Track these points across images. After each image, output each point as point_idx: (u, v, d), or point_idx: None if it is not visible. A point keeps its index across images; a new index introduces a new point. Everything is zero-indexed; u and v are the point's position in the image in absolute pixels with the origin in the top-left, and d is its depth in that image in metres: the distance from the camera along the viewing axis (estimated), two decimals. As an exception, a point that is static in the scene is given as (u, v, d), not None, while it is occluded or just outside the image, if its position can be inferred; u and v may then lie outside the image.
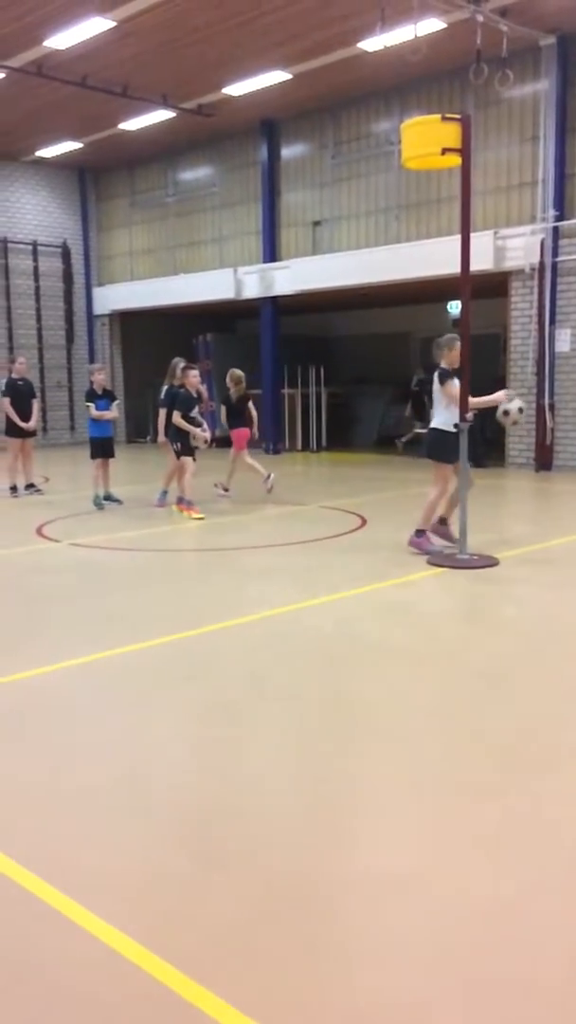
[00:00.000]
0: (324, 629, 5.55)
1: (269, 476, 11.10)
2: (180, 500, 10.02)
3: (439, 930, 2.51)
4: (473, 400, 7.24)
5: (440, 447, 7.49)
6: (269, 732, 3.95)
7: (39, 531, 9.07)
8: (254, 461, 11.42)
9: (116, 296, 20.90)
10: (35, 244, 20.37)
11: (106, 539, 8.66)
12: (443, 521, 7.80)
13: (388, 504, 10.92)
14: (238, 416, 11.21)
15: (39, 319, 20.58)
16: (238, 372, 11.25)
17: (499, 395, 7.61)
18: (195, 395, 10.06)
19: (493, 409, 7.67)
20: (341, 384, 19.97)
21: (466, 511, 7.24)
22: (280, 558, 7.83)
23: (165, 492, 10.61)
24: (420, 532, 7.63)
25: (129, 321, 21.28)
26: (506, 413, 7.54)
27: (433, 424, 7.62)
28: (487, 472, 13.58)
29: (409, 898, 2.66)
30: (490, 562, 7.20)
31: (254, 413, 11.26)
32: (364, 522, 9.33)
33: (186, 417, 9.80)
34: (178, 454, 10.03)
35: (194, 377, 10.11)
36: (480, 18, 11.66)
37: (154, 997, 2.24)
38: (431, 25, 12.14)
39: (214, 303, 18.80)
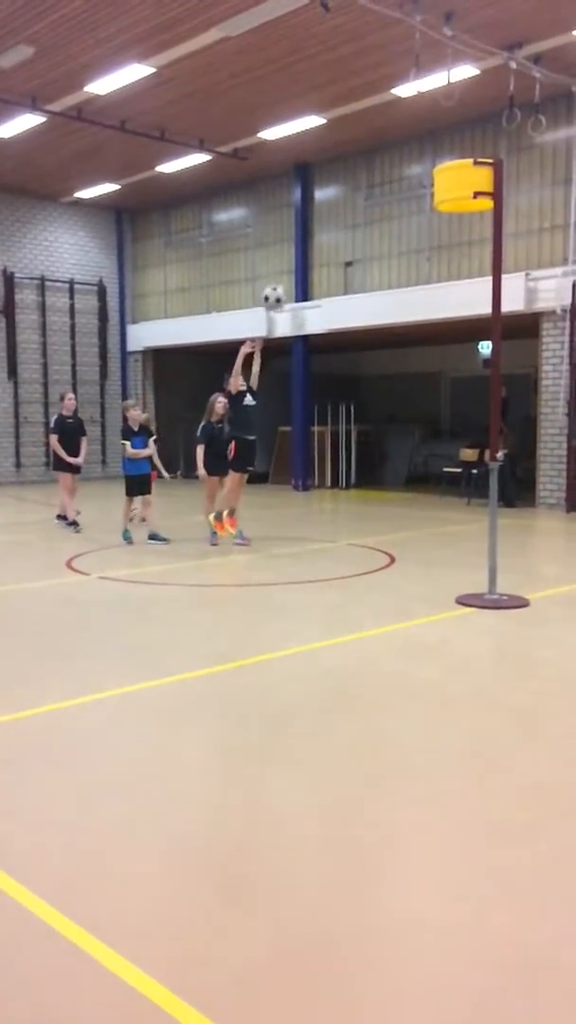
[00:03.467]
0: (350, 667, 5.51)
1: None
2: (218, 515, 10.23)
3: (466, 979, 2.45)
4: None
5: None
6: (294, 770, 3.91)
7: (68, 564, 9.13)
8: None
9: (150, 333, 21.19)
10: (72, 282, 20.75)
11: (134, 573, 8.69)
12: None
13: (417, 542, 10.87)
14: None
15: (74, 355, 20.89)
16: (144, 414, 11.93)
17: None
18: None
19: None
20: (371, 422, 20.02)
21: (496, 551, 7.20)
22: (307, 595, 7.81)
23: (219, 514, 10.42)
24: None
25: (162, 358, 21.55)
26: (266, 299, 10.02)
27: None
28: (517, 512, 13.50)
29: (438, 945, 2.61)
30: (520, 602, 7.14)
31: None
32: (392, 560, 9.30)
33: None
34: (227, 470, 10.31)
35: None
36: (513, 64, 11.84)
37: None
38: (465, 71, 12.31)
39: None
